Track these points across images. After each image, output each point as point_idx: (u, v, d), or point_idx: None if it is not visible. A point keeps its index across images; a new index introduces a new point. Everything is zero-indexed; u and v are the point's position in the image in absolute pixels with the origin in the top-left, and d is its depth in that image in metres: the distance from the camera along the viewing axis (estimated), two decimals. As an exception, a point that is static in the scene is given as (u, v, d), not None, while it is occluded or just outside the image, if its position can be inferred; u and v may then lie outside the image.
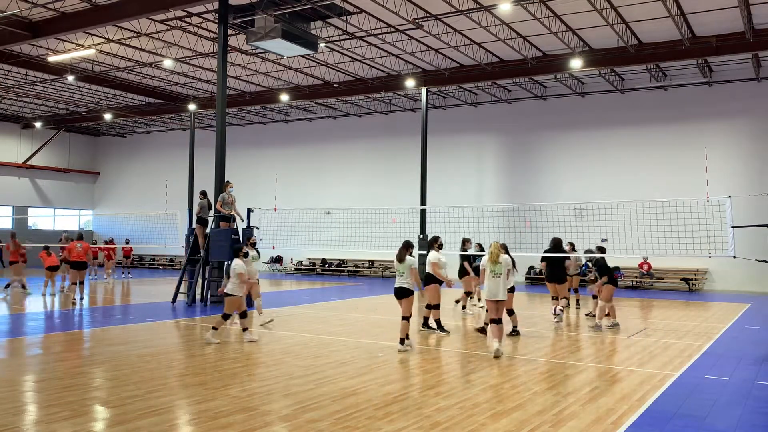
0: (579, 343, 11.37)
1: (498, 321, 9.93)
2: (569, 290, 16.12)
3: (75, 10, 19.38)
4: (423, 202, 26.46)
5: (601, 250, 13.40)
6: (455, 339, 11.67)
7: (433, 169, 27.54)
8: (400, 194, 29.57)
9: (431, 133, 27.88)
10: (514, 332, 11.90)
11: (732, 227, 13.14)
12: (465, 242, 15.62)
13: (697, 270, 24.38)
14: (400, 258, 10.35)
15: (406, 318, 10.24)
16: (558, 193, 26.35)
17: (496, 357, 9.58)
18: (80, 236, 17.77)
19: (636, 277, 24.90)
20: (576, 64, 22.20)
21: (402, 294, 10.30)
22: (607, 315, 13.12)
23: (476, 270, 16.05)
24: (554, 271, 13.95)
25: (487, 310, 10.69)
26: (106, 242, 27.08)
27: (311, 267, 32.70)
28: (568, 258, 14.24)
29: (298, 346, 10.67)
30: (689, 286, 24.06)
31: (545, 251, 14.37)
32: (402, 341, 10.17)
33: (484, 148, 29.29)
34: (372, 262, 31.11)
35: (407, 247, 10.57)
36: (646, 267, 24.59)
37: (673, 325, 13.74)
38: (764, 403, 7.39)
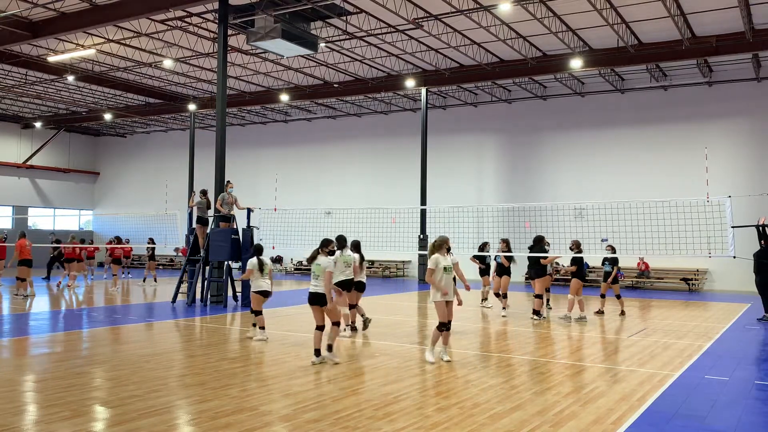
0: (579, 343, 11.37)
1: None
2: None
3: (75, 10, 19.39)
4: (423, 202, 26.46)
5: (577, 245, 14.23)
6: (455, 339, 11.66)
7: (433, 169, 27.54)
8: (400, 194, 29.57)
9: (431, 133, 27.88)
10: (353, 328, 11.92)
11: (732, 227, 13.15)
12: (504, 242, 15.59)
13: (697, 270, 24.38)
14: (312, 258, 9.12)
15: (334, 323, 9.11)
16: (558, 193, 26.35)
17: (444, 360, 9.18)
18: (23, 234, 18.77)
19: (634, 276, 24.91)
20: (576, 64, 22.20)
21: (316, 300, 9.04)
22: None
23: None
24: (530, 269, 14.31)
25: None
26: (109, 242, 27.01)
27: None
28: (546, 257, 14.30)
29: (298, 346, 10.66)
30: (689, 286, 24.05)
31: (529, 248, 14.52)
32: (318, 352, 8.98)
33: (484, 148, 29.29)
34: (372, 262, 31.09)
35: (324, 245, 9.20)
36: (642, 266, 24.57)
37: (673, 325, 13.74)
38: (764, 403, 7.40)
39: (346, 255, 11.54)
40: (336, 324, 9.16)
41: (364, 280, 12.18)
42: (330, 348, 9.13)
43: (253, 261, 11.26)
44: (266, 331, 11.22)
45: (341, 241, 11.59)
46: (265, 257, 11.40)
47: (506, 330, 12.91)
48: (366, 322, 12.08)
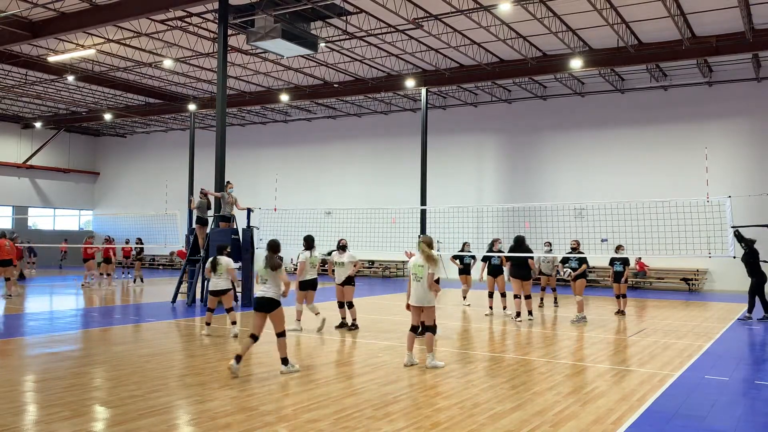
0: (579, 343, 11.36)
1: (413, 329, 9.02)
2: (546, 289, 17.00)
3: (75, 10, 19.38)
4: (423, 202, 26.46)
5: (579, 243, 14.54)
6: (455, 339, 11.68)
7: (433, 169, 27.54)
8: (400, 194, 29.57)
9: (431, 133, 27.88)
10: (353, 326, 12.33)
11: (732, 227, 13.14)
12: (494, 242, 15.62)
13: (697, 270, 24.38)
14: (273, 265, 8.44)
15: (279, 335, 8.44)
16: (558, 193, 26.35)
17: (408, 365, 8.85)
18: (3, 234, 18.97)
19: (632, 277, 24.87)
20: (576, 64, 22.20)
21: (263, 307, 8.36)
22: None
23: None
24: (518, 269, 14.02)
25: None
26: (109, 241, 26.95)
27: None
28: (532, 257, 14.24)
29: (298, 346, 10.67)
30: (689, 286, 24.06)
31: (510, 249, 14.41)
32: (239, 359, 8.16)
33: (484, 148, 29.29)
34: (372, 262, 31.11)
35: (275, 250, 8.61)
36: (638, 267, 24.55)
37: (673, 325, 13.74)
38: (764, 403, 7.39)
39: (314, 257, 11.94)
40: (280, 335, 8.40)
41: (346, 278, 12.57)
42: (285, 361, 8.38)
43: (209, 260, 11.73)
44: (212, 326, 11.63)
45: (309, 241, 11.94)
46: (224, 257, 11.70)
47: (506, 330, 12.91)
48: (323, 323, 12.20)
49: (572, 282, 14.23)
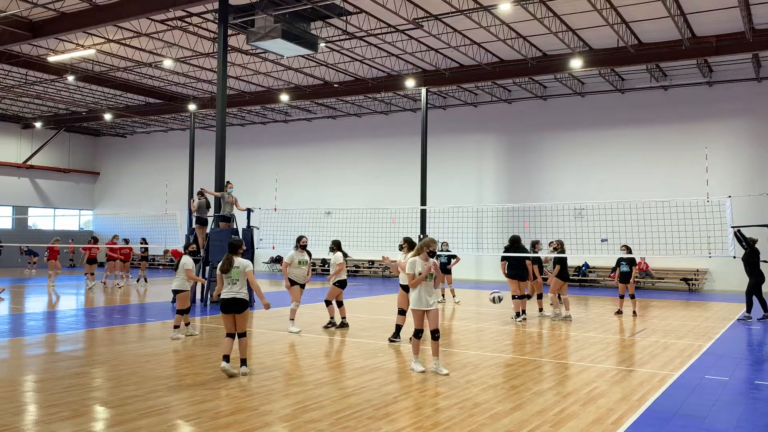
0: (579, 343, 11.36)
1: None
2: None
3: (75, 10, 19.39)
4: (423, 202, 26.45)
5: (561, 244, 14.60)
6: (456, 339, 11.68)
7: (433, 169, 27.53)
8: (400, 194, 29.57)
9: (431, 133, 27.87)
10: (343, 324, 12.55)
11: (732, 227, 13.15)
12: (535, 244, 15.50)
13: (697, 270, 24.38)
14: (227, 268, 8.26)
15: (241, 335, 8.28)
16: (558, 193, 26.34)
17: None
18: None
19: (635, 277, 24.87)
20: (576, 64, 22.20)
21: (232, 307, 8.22)
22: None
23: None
24: (516, 269, 13.93)
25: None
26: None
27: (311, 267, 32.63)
28: (528, 258, 14.23)
29: (298, 346, 10.67)
30: (689, 286, 24.06)
31: (505, 249, 14.37)
32: (227, 359, 8.15)
33: (484, 148, 29.29)
34: (372, 262, 31.11)
35: (235, 250, 8.39)
36: (643, 267, 24.57)
37: (673, 325, 13.74)
38: (764, 403, 7.39)
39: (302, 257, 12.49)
40: (243, 335, 8.26)
41: (344, 277, 12.87)
42: (244, 362, 8.25)
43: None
44: (190, 328, 11.68)
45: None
46: (186, 258, 11.91)
47: (506, 330, 12.90)
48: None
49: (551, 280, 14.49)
